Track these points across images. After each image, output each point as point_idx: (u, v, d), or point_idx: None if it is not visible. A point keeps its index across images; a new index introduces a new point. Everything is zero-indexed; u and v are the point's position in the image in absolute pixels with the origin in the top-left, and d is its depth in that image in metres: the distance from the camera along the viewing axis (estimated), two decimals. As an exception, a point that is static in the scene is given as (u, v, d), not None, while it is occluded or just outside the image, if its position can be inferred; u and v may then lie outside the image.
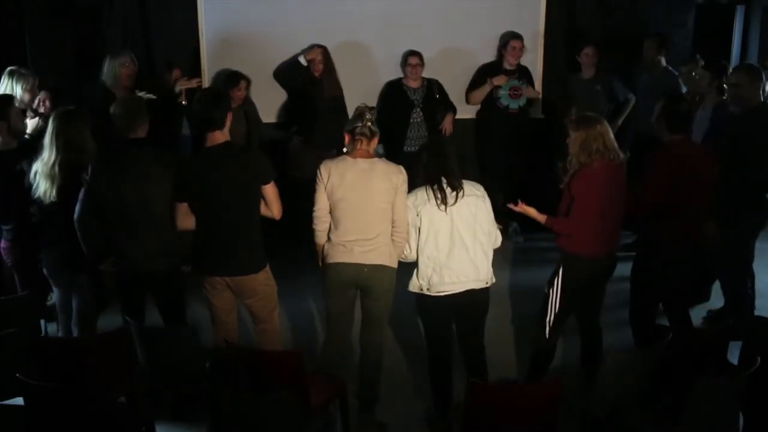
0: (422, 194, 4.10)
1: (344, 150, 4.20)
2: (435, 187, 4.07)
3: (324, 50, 6.53)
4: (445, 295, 4.09)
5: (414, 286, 4.17)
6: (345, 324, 4.35)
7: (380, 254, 4.13)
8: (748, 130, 5.01)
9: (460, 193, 4.06)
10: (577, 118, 4.48)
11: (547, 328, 4.42)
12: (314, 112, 6.44)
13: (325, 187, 4.12)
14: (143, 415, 3.97)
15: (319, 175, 4.14)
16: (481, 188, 4.19)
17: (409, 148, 6.63)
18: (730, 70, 5.79)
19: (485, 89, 6.89)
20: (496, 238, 4.23)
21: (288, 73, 6.64)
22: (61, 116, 4.40)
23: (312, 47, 6.56)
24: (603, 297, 4.60)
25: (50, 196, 4.31)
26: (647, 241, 4.72)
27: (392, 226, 4.15)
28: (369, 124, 4.10)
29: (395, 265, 4.20)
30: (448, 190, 4.06)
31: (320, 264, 4.32)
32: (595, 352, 4.57)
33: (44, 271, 4.59)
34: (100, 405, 3.51)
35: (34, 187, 4.35)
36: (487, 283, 4.16)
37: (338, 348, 4.38)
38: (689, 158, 4.48)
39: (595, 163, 4.22)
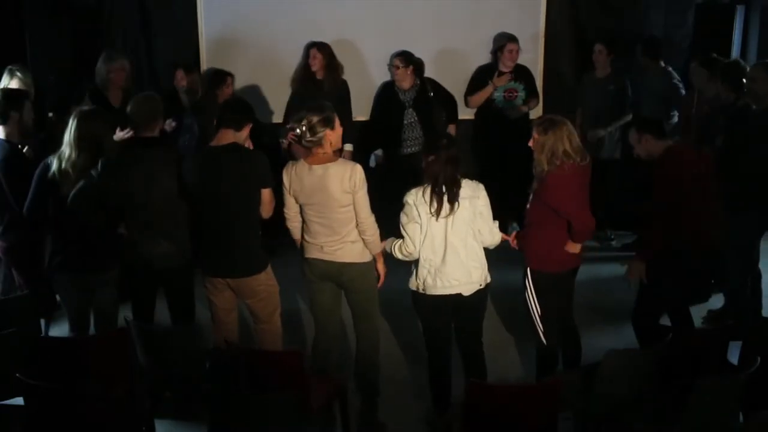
0: (421, 195, 4.05)
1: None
2: (433, 195, 4.01)
3: (321, 49, 6.45)
4: (439, 295, 4.10)
5: (412, 284, 4.19)
6: (329, 320, 4.39)
7: (348, 252, 4.16)
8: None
9: (456, 206, 4.02)
10: (542, 120, 4.37)
11: (540, 331, 4.40)
12: None
13: (289, 192, 4.15)
14: (143, 415, 3.98)
15: (283, 179, 4.17)
16: (480, 187, 4.13)
17: (407, 150, 6.60)
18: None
19: (487, 91, 6.83)
20: (494, 236, 4.18)
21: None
22: (82, 116, 4.25)
23: (311, 46, 6.49)
24: (572, 293, 4.56)
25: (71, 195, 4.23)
26: (663, 247, 4.62)
27: (357, 227, 4.14)
28: (308, 135, 4.03)
29: (368, 259, 4.23)
30: (445, 202, 4.01)
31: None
32: (574, 352, 4.55)
33: (56, 279, 4.38)
34: (100, 405, 3.51)
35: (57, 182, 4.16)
36: (480, 285, 4.15)
37: (325, 345, 4.41)
38: (692, 162, 4.46)
39: (565, 165, 4.17)
